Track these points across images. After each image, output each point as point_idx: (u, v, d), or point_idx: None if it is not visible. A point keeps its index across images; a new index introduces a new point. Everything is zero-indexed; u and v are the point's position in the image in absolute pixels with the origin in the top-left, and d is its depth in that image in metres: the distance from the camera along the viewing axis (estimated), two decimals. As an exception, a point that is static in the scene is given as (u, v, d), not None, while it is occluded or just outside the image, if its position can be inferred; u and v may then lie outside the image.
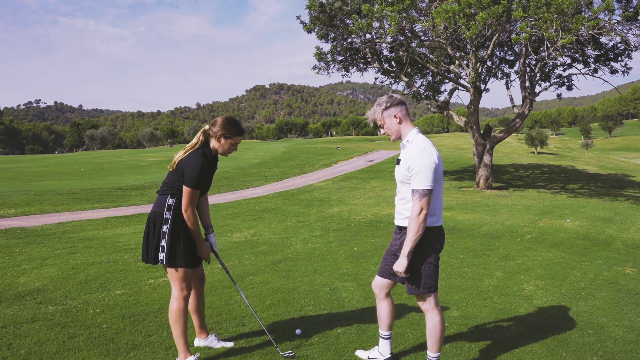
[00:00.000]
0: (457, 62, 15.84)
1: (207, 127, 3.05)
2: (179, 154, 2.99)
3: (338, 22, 15.44)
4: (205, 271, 5.19)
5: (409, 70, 16.54)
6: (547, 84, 16.70)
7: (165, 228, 2.94)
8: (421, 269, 2.82)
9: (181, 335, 2.97)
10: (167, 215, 2.95)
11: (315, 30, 15.64)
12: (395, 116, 2.84)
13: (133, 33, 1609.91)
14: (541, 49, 14.59)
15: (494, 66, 17.96)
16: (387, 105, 2.84)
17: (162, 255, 2.93)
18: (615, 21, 12.85)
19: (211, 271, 5.33)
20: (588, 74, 15.83)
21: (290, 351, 3.19)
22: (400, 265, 2.75)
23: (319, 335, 3.55)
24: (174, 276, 2.97)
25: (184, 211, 2.91)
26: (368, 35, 15.28)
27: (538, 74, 16.14)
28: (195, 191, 2.90)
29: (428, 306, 2.88)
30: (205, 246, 3.05)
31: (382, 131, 2.93)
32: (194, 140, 3.03)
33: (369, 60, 16.36)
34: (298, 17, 15.91)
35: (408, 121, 2.87)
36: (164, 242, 2.93)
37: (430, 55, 16.18)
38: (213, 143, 3.04)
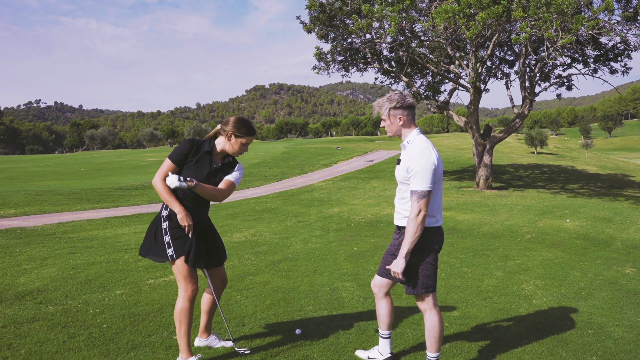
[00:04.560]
0: (457, 62, 15.84)
1: (219, 126, 3.08)
2: None
3: (338, 22, 15.44)
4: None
5: (409, 70, 16.54)
6: (547, 84, 16.70)
7: (165, 225, 2.96)
8: (419, 269, 2.82)
9: (185, 334, 2.98)
10: (164, 213, 2.98)
11: (315, 30, 15.64)
12: (400, 118, 2.84)
13: (134, 33, 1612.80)
14: (541, 49, 14.60)
15: (493, 66, 17.97)
16: (397, 106, 2.82)
17: (170, 251, 2.93)
18: (615, 21, 12.86)
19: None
20: (588, 74, 15.83)
21: (246, 348, 3.24)
22: (398, 266, 2.75)
23: (319, 335, 3.55)
24: (178, 274, 2.96)
25: (154, 180, 2.93)
26: (368, 36, 15.29)
27: (538, 74, 16.15)
28: (170, 164, 2.92)
29: (426, 306, 2.89)
30: (184, 214, 2.91)
31: (382, 124, 2.94)
32: (208, 137, 3.11)
33: (369, 60, 16.36)
34: (298, 17, 15.92)
35: (412, 123, 2.87)
36: (167, 239, 2.94)
37: (430, 56, 16.18)
38: (222, 142, 3.05)
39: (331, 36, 16.05)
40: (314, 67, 16.93)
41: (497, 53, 17.73)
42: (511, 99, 16.71)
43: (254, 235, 7.82)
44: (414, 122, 2.88)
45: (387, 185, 16.75)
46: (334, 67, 16.93)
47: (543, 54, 13.23)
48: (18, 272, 5.12)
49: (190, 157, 2.96)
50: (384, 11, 13.09)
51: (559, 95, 17.29)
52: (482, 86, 16.62)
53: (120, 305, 4.11)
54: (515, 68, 17.44)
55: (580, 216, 10.19)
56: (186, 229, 2.92)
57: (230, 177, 3.10)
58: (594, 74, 15.84)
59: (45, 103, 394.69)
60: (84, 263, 5.60)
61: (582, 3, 12.15)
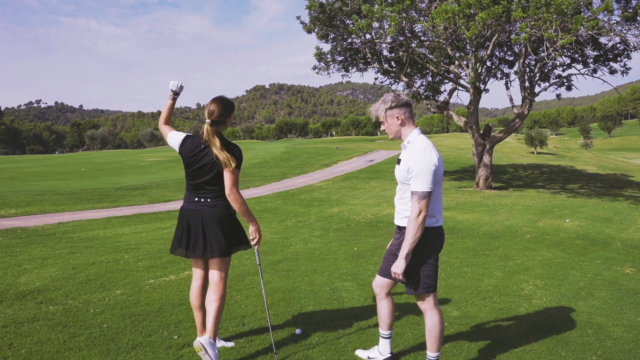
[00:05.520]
0: (456, 62, 15.85)
1: (208, 121, 3.03)
2: (221, 153, 2.99)
3: (338, 22, 15.45)
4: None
5: (408, 70, 16.56)
6: (547, 84, 16.71)
7: (236, 224, 3.17)
8: (420, 269, 2.82)
9: (219, 318, 3.11)
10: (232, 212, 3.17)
11: (315, 30, 15.66)
12: (397, 117, 2.82)
13: (134, 33, 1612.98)
14: (541, 49, 14.62)
15: (493, 66, 17.98)
16: (392, 105, 2.81)
17: (242, 247, 3.19)
18: (615, 21, 12.88)
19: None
20: (587, 74, 15.84)
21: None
22: (398, 266, 2.75)
23: (319, 335, 3.56)
24: (227, 267, 3.17)
25: (234, 192, 3.00)
26: (368, 36, 15.30)
27: (537, 74, 16.16)
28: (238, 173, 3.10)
29: (427, 306, 2.89)
30: (257, 226, 3.10)
31: (382, 127, 2.94)
32: (218, 136, 3.05)
33: (369, 60, 16.37)
34: (298, 18, 15.94)
35: (411, 122, 2.85)
36: (243, 236, 3.18)
37: (430, 56, 16.19)
38: (222, 128, 3.16)
39: (331, 36, 16.06)
40: (314, 67, 16.94)
41: (497, 53, 17.75)
42: (511, 99, 16.72)
43: (254, 235, 7.81)
44: (412, 120, 2.86)
45: (387, 185, 16.76)
46: (334, 67, 16.94)
47: (543, 54, 13.23)
48: (19, 272, 5.13)
49: None
50: (383, 11, 13.10)
51: (558, 96, 17.30)
52: (482, 86, 16.64)
53: (120, 305, 4.12)
54: (515, 68, 17.45)
55: (580, 216, 10.20)
56: (255, 240, 3.11)
57: None
58: (593, 74, 15.85)
59: (45, 103, 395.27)
60: (85, 263, 5.60)
61: (581, 3, 12.17)
